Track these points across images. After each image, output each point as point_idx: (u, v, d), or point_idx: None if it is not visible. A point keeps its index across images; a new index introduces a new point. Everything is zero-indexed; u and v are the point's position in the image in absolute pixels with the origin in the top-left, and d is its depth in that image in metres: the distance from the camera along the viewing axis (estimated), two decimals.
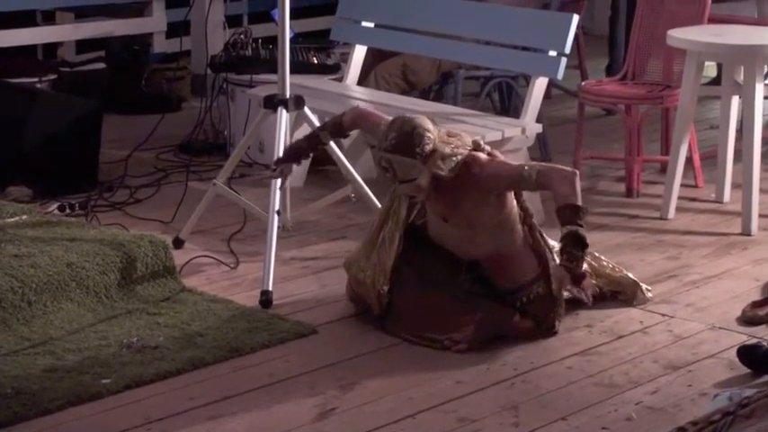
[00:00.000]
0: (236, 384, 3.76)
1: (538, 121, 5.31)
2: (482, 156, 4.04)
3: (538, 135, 5.49)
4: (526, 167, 4.00)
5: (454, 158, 3.95)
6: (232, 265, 4.77)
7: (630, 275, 4.47)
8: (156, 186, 5.72)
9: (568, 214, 3.89)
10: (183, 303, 4.33)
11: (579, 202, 3.93)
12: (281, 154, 4.55)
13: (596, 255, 4.46)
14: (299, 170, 5.69)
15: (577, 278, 3.92)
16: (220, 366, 3.88)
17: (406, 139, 3.91)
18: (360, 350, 4.02)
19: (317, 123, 4.94)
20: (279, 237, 4.55)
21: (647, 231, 5.27)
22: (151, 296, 4.38)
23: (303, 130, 5.53)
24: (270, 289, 4.37)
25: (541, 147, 6.24)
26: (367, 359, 3.96)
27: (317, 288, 4.55)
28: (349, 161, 4.95)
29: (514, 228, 4.09)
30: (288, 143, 4.78)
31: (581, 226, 3.88)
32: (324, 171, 5.88)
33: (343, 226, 5.23)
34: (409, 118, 3.99)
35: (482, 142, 4.12)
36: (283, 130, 4.75)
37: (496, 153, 4.12)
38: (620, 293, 4.43)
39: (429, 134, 3.93)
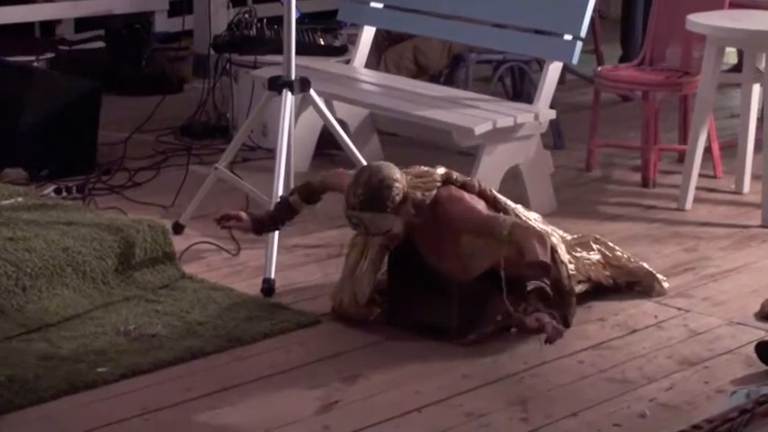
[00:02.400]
0: (236, 375, 3.76)
1: (551, 107, 5.29)
2: (452, 191, 4.00)
3: (551, 122, 5.48)
4: (500, 221, 3.94)
5: (426, 201, 3.93)
6: (233, 252, 4.77)
7: (646, 266, 4.47)
8: (155, 170, 5.72)
9: (538, 272, 3.83)
10: (182, 291, 4.33)
11: (549, 262, 3.86)
12: (258, 219, 4.37)
13: (610, 245, 4.45)
14: (305, 153, 5.69)
15: (546, 326, 3.82)
16: (220, 356, 3.88)
17: (374, 193, 3.86)
18: (364, 341, 4.01)
19: (323, 107, 4.93)
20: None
21: (663, 222, 5.26)
22: (149, 283, 4.37)
23: (308, 114, 5.54)
24: (272, 277, 4.37)
25: (555, 134, 6.23)
26: (371, 351, 3.96)
27: (320, 276, 4.55)
28: (356, 146, 4.94)
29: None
30: (291, 129, 4.78)
31: (547, 284, 3.85)
32: (329, 155, 5.87)
33: None
34: (375, 169, 3.92)
35: (454, 174, 4.07)
36: (288, 114, 4.74)
37: (474, 182, 4.07)
38: (635, 284, 4.43)
39: (397, 184, 3.89)
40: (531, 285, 3.80)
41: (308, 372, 3.80)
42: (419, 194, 3.93)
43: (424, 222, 3.98)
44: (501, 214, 4.01)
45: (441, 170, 4.08)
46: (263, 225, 4.35)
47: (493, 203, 4.08)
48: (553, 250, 3.99)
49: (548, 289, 3.83)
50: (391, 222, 3.91)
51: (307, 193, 4.32)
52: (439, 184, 4.01)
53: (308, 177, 5.48)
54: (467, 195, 4.04)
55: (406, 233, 4.00)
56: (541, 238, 3.88)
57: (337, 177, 4.24)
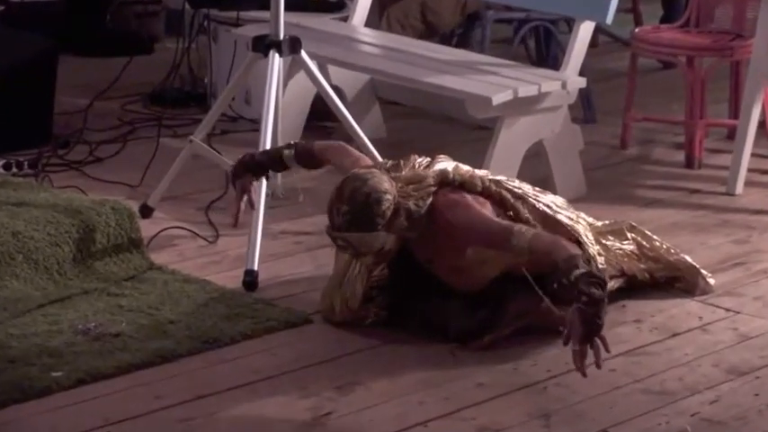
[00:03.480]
0: (213, 382, 3.76)
1: (581, 74, 5.29)
2: (450, 196, 3.96)
3: (581, 91, 5.47)
4: (515, 232, 3.87)
5: (421, 212, 3.90)
6: (210, 239, 4.77)
7: (689, 259, 4.47)
8: (121, 143, 5.72)
9: (567, 264, 3.70)
10: (150, 283, 4.34)
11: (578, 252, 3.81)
12: (234, 164, 4.46)
13: (648, 233, 4.45)
14: (294, 125, 5.68)
15: (593, 331, 3.64)
16: (194, 360, 3.88)
17: (361, 210, 3.83)
18: (361, 344, 4.02)
19: (316, 72, 4.92)
20: (267, 206, 4.55)
21: (710, 209, 5.26)
22: (113, 274, 4.38)
23: (299, 80, 5.53)
24: (255, 268, 4.37)
25: (585, 105, 6.23)
26: (369, 355, 3.96)
27: (312, 268, 4.56)
28: (354, 117, 4.94)
29: None
30: (279, 96, 4.77)
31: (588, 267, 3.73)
32: (323, 128, 5.86)
33: None
34: (359, 181, 3.86)
35: (451, 173, 4.03)
36: (275, 79, 4.74)
37: (476, 180, 4.03)
38: (676, 280, 4.44)
39: (387, 196, 3.85)
40: (573, 276, 3.67)
41: (296, 379, 3.80)
42: (412, 204, 3.91)
43: (421, 233, 3.96)
44: (518, 225, 3.94)
45: (437, 166, 4.05)
46: (245, 166, 4.38)
47: (499, 202, 4.05)
48: (579, 242, 4.00)
49: (594, 271, 3.70)
50: (383, 240, 3.88)
51: (305, 156, 4.33)
52: (434, 188, 3.98)
53: None
54: (469, 198, 4.02)
55: (401, 244, 3.99)
56: (570, 244, 3.86)
57: (339, 154, 4.26)
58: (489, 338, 4.00)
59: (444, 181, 4.03)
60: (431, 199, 3.96)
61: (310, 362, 3.90)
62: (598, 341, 3.65)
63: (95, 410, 3.58)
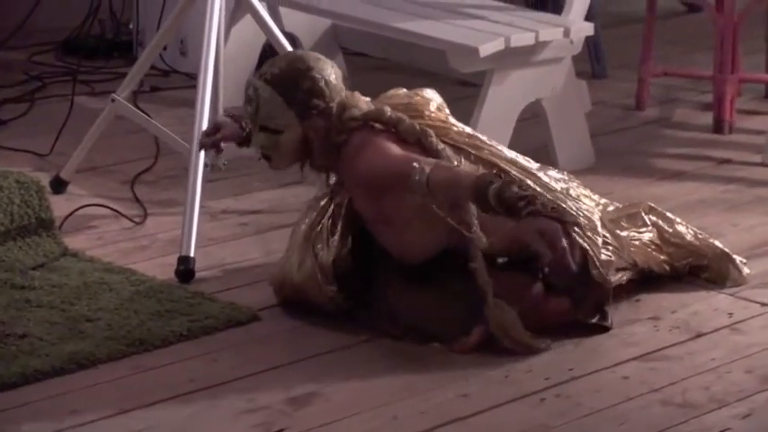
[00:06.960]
0: (140, 392, 3.76)
1: (588, 18, 5.30)
2: (367, 137, 4.03)
3: (588, 40, 5.48)
4: (416, 166, 3.91)
5: (335, 142, 4.03)
6: (137, 220, 4.79)
7: (718, 244, 4.49)
8: (28, 102, 5.72)
9: (479, 185, 3.81)
10: (64, 273, 4.34)
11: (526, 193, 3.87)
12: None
13: (668, 215, 4.47)
14: (239, 80, 5.66)
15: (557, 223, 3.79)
16: (118, 366, 3.89)
17: (292, 75, 4.04)
18: (321, 346, 4.03)
19: (266, 16, 4.92)
20: (206, 179, 4.57)
21: (742, 183, 5.29)
22: (17, 261, 4.38)
23: (245, 25, 5.52)
24: (191, 255, 4.38)
25: (593, 57, 6.24)
26: (332, 360, 3.98)
27: (260, 255, 4.57)
28: None
29: None
30: (221, 46, 4.77)
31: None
32: None
33: None
34: (313, 57, 4.12)
35: (387, 111, 4.09)
36: (215, 25, 4.73)
37: (404, 121, 4.08)
38: (701, 269, 4.46)
39: (324, 84, 4.03)
40: (491, 196, 3.77)
41: (241, 389, 3.81)
42: (333, 133, 4.04)
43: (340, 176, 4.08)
44: (422, 158, 3.97)
45: (397, 100, 4.15)
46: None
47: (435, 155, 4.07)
48: (566, 223, 4.00)
49: (506, 183, 3.82)
50: (286, 123, 4.00)
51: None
52: (355, 123, 4.04)
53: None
54: (383, 139, 4.04)
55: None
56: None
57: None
58: (476, 335, 4.01)
59: (378, 119, 4.08)
60: (354, 124, 4.05)
61: (258, 368, 3.91)
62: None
63: None
